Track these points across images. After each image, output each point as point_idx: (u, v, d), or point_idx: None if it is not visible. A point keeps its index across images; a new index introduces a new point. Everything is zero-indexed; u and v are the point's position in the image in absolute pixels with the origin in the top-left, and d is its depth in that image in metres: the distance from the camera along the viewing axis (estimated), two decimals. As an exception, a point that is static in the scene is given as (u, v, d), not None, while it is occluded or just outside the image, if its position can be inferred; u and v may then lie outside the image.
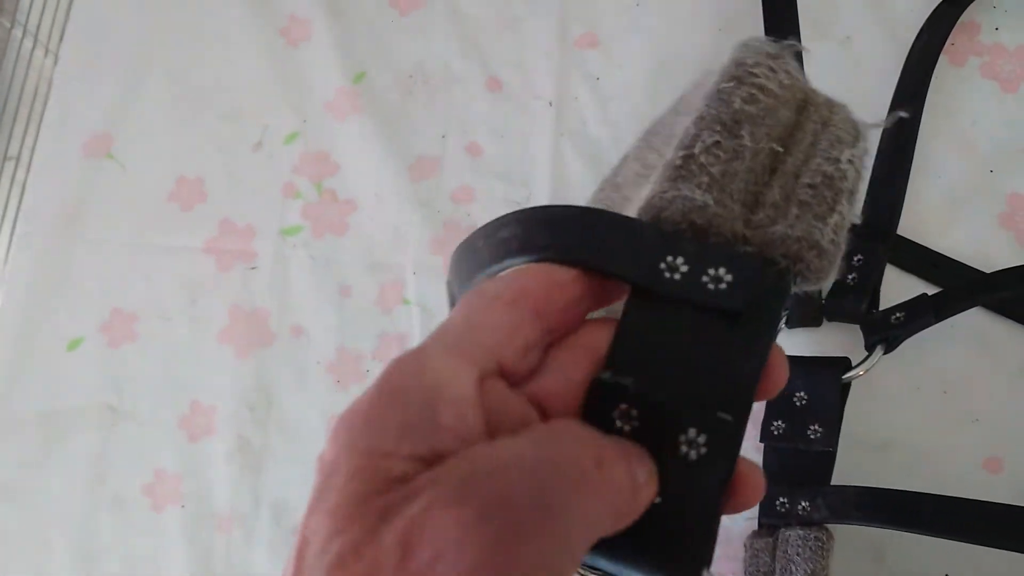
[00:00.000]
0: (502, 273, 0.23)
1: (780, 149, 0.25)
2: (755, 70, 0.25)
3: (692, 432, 0.21)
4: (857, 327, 0.47)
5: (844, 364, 0.44)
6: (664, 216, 0.23)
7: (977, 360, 0.46)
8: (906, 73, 0.50)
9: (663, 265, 0.22)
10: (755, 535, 0.44)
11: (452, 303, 0.27)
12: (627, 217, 0.23)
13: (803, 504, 0.42)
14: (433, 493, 0.16)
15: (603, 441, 0.20)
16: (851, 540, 0.43)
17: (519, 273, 0.22)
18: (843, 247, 0.24)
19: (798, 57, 0.29)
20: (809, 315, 0.47)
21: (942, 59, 0.50)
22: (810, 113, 0.26)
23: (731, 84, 0.25)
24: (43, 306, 0.51)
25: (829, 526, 0.41)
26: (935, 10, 0.52)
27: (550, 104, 0.53)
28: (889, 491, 0.40)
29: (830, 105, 0.27)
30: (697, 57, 0.54)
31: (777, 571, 0.41)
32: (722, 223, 0.23)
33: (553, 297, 0.21)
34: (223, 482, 0.48)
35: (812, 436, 0.43)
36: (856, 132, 0.27)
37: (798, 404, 0.44)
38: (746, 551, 0.44)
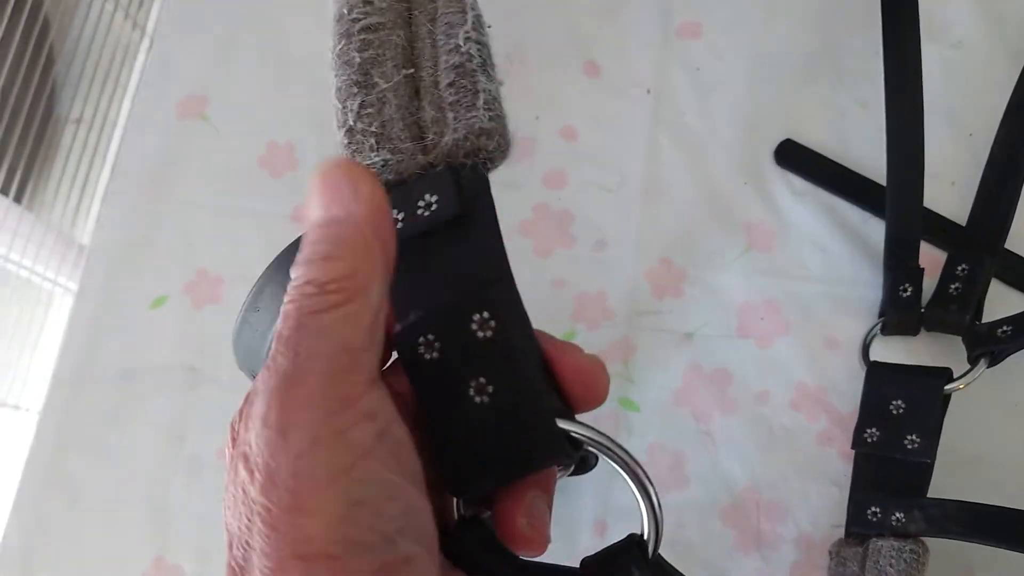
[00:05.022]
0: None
1: (411, 70, 0.27)
2: (354, 14, 0.27)
3: (476, 316, 0.23)
4: (954, 338, 0.46)
5: (947, 375, 0.43)
6: None
7: (1080, 380, 0.45)
8: (1022, 81, 0.49)
9: None
10: (843, 543, 0.43)
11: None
12: None
13: (897, 515, 0.41)
14: None
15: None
16: (937, 555, 0.41)
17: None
18: (504, 111, 0.27)
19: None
20: (908, 323, 0.46)
21: (1058, 68, 0.49)
22: (417, 18, 0.28)
23: (343, 43, 0.27)
24: (129, 263, 0.51)
25: (924, 539, 0.40)
26: (1055, 18, 0.50)
27: (648, 92, 0.52)
28: (992, 507, 0.39)
29: None
30: (799, 50, 0.53)
31: (869, 581, 0.40)
32: (406, 166, 0.26)
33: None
34: (299, 450, 0.47)
35: (909, 446, 0.42)
36: (461, 5, 0.28)
37: (895, 412, 0.43)
38: (831, 559, 0.43)
